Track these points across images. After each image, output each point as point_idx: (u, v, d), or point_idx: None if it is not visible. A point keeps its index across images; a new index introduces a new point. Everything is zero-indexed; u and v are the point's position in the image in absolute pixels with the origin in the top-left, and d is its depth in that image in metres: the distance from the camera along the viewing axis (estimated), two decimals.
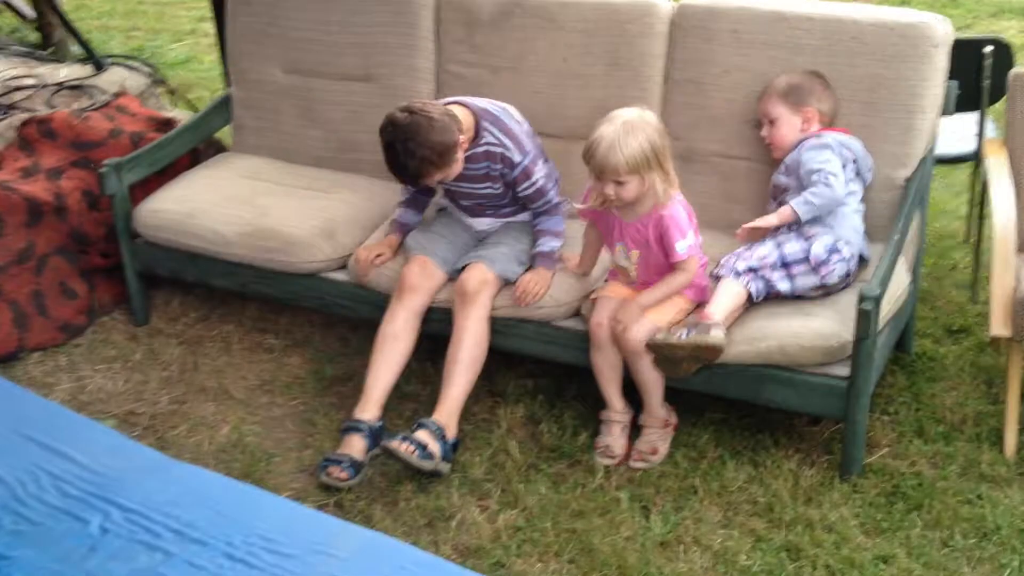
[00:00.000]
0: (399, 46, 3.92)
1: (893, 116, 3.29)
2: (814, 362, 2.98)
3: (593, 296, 3.23)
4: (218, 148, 4.40)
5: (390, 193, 3.85)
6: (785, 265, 3.06)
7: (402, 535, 2.87)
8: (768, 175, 3.43)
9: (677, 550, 2.82)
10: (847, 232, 3.11)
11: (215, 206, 3.75)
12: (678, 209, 3.06)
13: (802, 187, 3.12)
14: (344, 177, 3.97)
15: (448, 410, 3.18)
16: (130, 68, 4.62)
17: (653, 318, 3.05)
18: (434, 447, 3.07)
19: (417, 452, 3.03)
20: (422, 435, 3.08)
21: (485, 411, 3.42)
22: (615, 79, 3.64)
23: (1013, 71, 3.42)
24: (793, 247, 3.07)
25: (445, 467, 3.11)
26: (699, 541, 2.84)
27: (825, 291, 3.08)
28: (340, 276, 3.59)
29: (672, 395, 3.19)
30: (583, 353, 3.22)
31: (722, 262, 3.11)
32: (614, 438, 3.19)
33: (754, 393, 3.07)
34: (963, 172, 4.73)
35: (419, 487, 3.08)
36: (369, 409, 3.21)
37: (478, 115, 3.31)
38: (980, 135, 3.81)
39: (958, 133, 3.92)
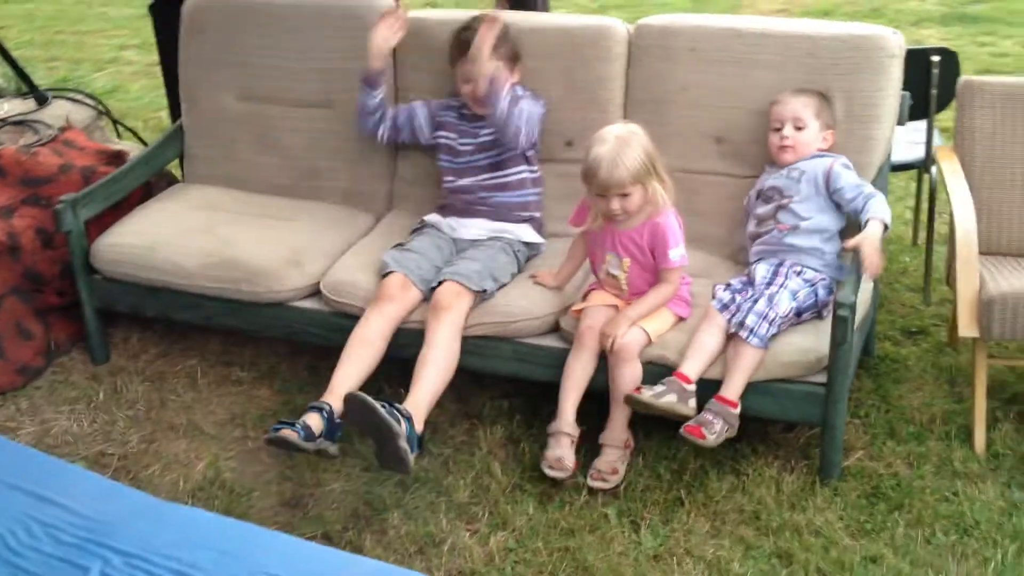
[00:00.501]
0: (358, 72, 3.89)
1: (851, 127, 3.37)
2: (793, 376, 3.03)
3: (576, 308, 3.25)
4: (169, 179, 4.34)
5: (353, 220, 3.86)
6: (798, 314, 3.10)
7: (395, 563, 2.85)
8: (731, 186, 3.51)
9: (670, 563, 2.84)
10: (833, 266, 3.21)
11: (175, 238, 3.70)
12: (672, 217, 3.12)
13: (814, 196, 3.22)
14: (304, 204, 3.95)
15: (416, 402, 3.10)
16: (73, 101, 4.53)
17: (647, 324, 3.11)
18: (400, 431, 2.95)
19: (383, 434, 2.93)
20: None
21: (462, 434, 3.41)
22: (574, 102, 3.68)
23: (963, 79, 3.53)
24: (805, 294, 3.11)
25: (408, 462, 2.94)
26: (691, 552, 2.87)
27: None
28: (309, 304, 3.56)
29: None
30: (560, 371, 3.24)
31: (748, 324, 3.02)
32: (564, 451, 3.15)
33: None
34: (902, 179, 4.87)
35: (405, 514, 3.07)
36: (332, 399, 3.16)
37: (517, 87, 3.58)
38: (928, 143, 3.92)
39: (900, 141, 4.02)
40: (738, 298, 3.13)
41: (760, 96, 3.46)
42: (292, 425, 3.06)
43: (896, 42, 3.35)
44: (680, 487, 3.12)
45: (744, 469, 3.17)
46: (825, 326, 3.05)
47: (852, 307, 2.89)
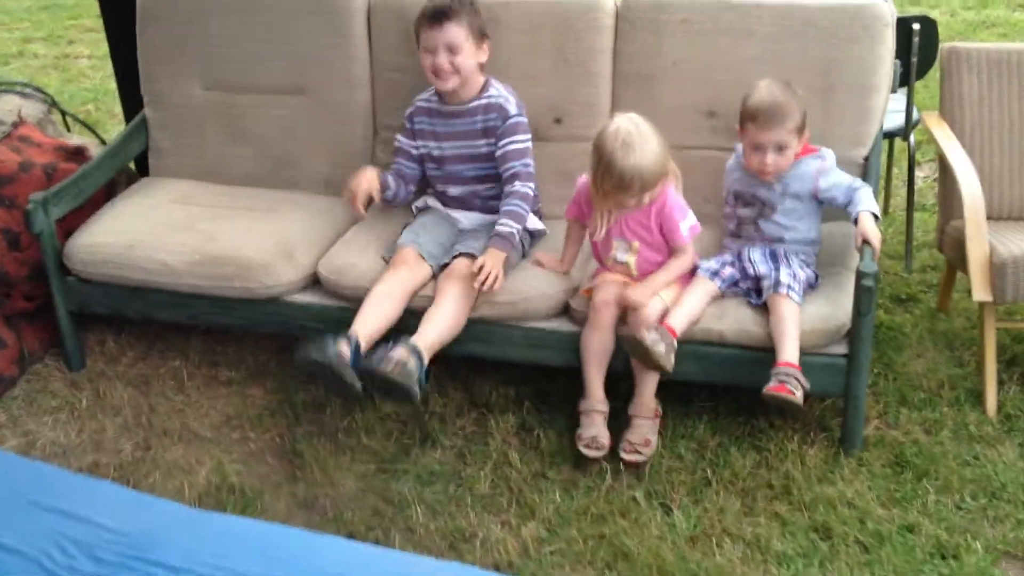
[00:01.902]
0: (332, 55, 3.78)
1: (849, 97, 3.37)
2: (813, 345, 3.01)
3: (586, 289, 3.19)
4: (128, 175, 4.15)
5: (338, 208, 3.73)
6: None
7: None
8: (724, 160, 3.47)
9: (709, 544, 2.81)
10: (814, 264, 3.25)
11: (156, 236, 3.53)
12: (673, 192, 3.09)
13: (798, 207, 3.16)
14: (284, 195, 3.81)
15: (425, 340, 3.06)
16: (23, 95, 4.29)
17: (664, 293, 3.09)
18: (412, 364, 2.96)
19: (400, 371, 2.93)
20: (403, 351, 2.98)
21: (472, 424, 3.34)
22: (563, 77, 3.61)
23: (947, 46, 3.55)
24: (806, 274, 3.13)
25: (416, 392, 2.96)
26: (728, 532, 2.84)
27: None
28: (304, 298, 3.43)
29: (659, 386, 3.18)
30: (573, 355, 3.18)
31: (784, 281, 3.03)
32: (599, 429, 3.13)
33: (754, 379, 3.08)
34: None
35: (429, 509, 2.98)
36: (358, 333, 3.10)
37: (487, 76, 3.45)
38: (909, 111, 3.95)
39: None
40: (729, 269, 3.15)
41: (754, 68, 3.41)
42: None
43: (889, 10, 3.35)
44: (704, 466, 3.08)
45: (765, 444, 3.15)
46: (840, 296, 3.06)
47: (875, 276, 2.88)
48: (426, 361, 3.02)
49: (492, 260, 3.18)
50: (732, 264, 3.18)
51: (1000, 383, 3.31)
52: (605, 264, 3.21)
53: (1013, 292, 3.08)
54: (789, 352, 2.96)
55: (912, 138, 4.02)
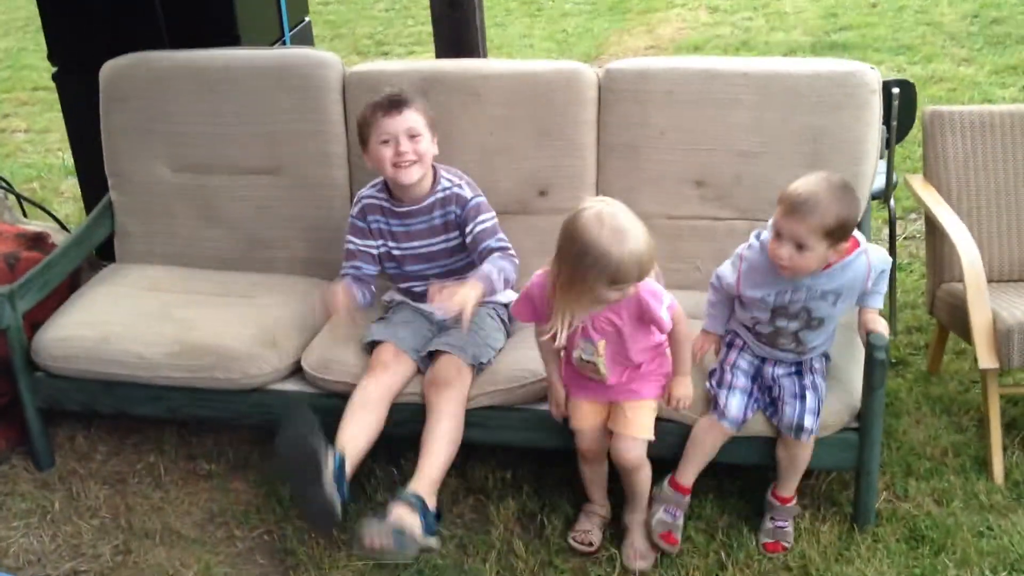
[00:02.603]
0: (307, 133, 3.67)
1: (838, 164, 3.31)
2: (828, 428, 2.93)
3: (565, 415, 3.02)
4: (91, 262, 3.99)
5: (317, 290, 3.59)
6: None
7: None
8: (715, 229, 3.43)
9: None
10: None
11: (130, 326, 3.37)
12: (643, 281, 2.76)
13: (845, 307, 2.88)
14: (260, 278, 3.68)
15: (428, 480, 2.90)
16: None
17: (644, 433, 2.90)
18: (413, 522, 2.77)
19: (393, 541, 2.72)
20: (399, 513, 2.78)
21: (470, 511, 3.21)
22: (547, 149, 3.54)
23: (931, 109, 3.55)
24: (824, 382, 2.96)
25: (432, 542, 2.83)
26: None
27: None
28: (289, 386, 3.29)
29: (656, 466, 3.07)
30: (571, 437, 3.08)
31: (807, 427, 2.85)
32: (593, 528, 3.06)
33: (757, 457, 3.01)
34: None
35: None
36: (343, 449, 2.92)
37: (435, 165, 3.27)
38: (889, 174, 3.94)
39: None
40: (745, 400, 2.92)
41: (742, 137, 3.40)
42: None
43: (875, 77, 3.34)
44: (716, 547, 2.99)
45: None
46: (849, 373, 3.00)
47: (887, 348, 2.82)
48: (432, 505, 2.87)
49: (468, 290, 2.97)
50: (750, 387, 2.94)
51: (1003, 448, 3.27)
52: (574, 362, 2.90)
53: (1020, 358, 3.05)
54: (792, 487, 2.98)
55: (892, 201, 4.01)
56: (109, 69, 3.81)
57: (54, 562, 3.10)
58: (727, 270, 2.95)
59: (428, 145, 3.18)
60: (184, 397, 3.32)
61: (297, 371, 3.31)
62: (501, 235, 3.25)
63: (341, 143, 3.69)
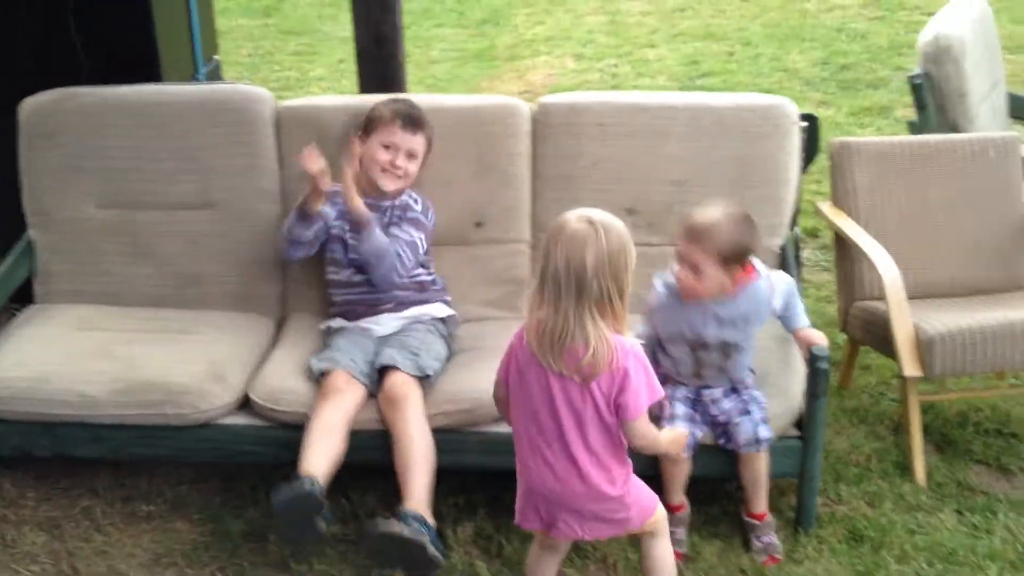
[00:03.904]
0: (240, 168, 3.69)
1: (763, 191, 3.55)
2: (776, 435, 3.09)
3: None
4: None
5: (257, 324, 3.64)
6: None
7: None
8: (647, 255, 3.49)
9: None
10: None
11: (70, 365, 3.30)
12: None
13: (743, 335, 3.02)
14: (197, 314, 3.65)
15: (419, 499, 2.96)
16: None
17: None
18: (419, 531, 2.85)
19: (426, 534, 2.84)
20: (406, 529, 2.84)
21: None
22: (483, 181, 3.65)
23: (838, 141, 3.80)
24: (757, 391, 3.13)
25: (439, 556, 2.87)
26: None
27: None
28: (237, 420, 3.26)
29: None
30: None
31: (763, 437, 3.02)
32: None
33: (707, 470, 3.15)
34: None
35: None
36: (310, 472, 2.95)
37: None
38: (797, 201, 4.16)
39: None
40: (689, 426, 3.01)
41: (671, 166, 3.58)
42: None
43: (795, 110, 3.58)
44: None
45: (724, 532, 3.20)
46: (785, 384, 3.17)
47: (828, 359, 3.01)
48: (432, 523, 2.93)
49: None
50: (691, 412, 3.07)
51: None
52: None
53: (941, 366, 3.28)
54: (762, 503, 3.11)
55: (797, 228, 4.24)
56: (30, 106, 3.74)
57: None
58: (645, 325, 3.11)
59: (417, 168, 3.43)
60: (129, 436, 3.25)
61: (245, 405, 3.29)
62: (407, 251, 3.39)
63: (275, 178, 3.71)
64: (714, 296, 2.94)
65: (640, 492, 2.67)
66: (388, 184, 3.40)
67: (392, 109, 3.45)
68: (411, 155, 3.41)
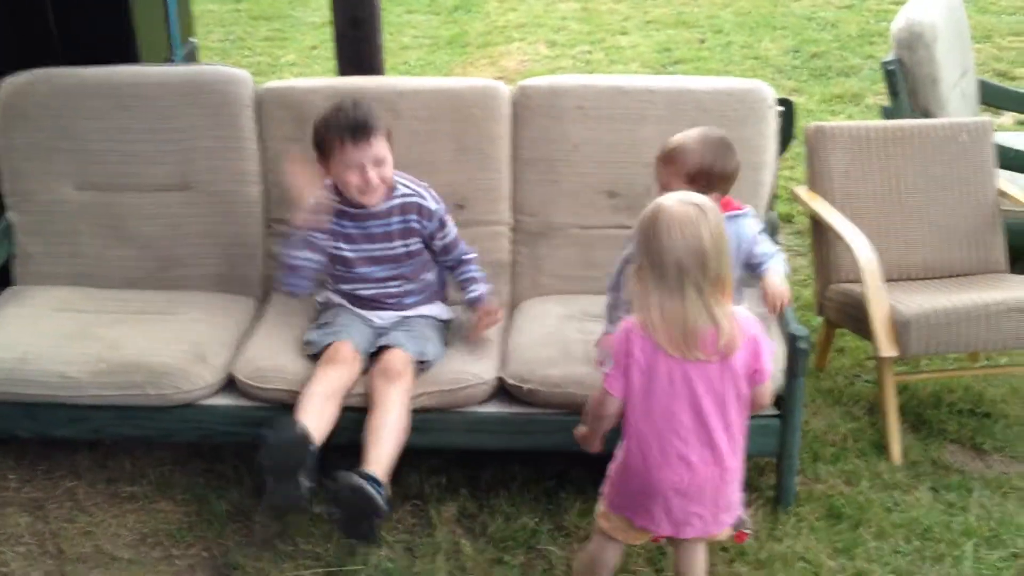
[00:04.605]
0: (220, 149, 3.67)
1: (743, 173, 3.53)
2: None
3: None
4: None
5: (238, 305, 3.63)
6: None
7: None
8: (623, 237, 3.59)
9: None
10: None
11: (50, 346, 3.28)
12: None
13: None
14: (177, 295, 3.63)
15: (379, 466, 2.92)
16: None
17: None
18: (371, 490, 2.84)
19: (362, 486, 2.81)
20: (355, 480, 2.84)
21: (410, 516, 3.26)
22: (464, 164, 3.66)
23: (814, 125, 3.85)
24: None
25: (384, 509, 2.86)
26: None
27: None
28: (221, 400, 3.26)
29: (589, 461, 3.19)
30: (511, 437, 3.19)
31: None
32: None
33: None
34: None
35: None
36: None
37: None
38: (772, 185, 4.21)
39: None
40: None
41: (650, 149, 3.53)
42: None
43: (772, 93, 3.61)
44: None
45: None
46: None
47: (808, 339, 3.05)
48: (386, 490, 2.91)
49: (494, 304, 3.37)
50: None
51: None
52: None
53: (917, 346, 3.34)
54: None
55: (775, 211, 4.29)
56: (7, 87, 3.70)
57: None
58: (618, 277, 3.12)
59: (390, 167, 3.24)
60: (111, 416, 3.24)
61: (227, 386, 3.30)
62: (463, 246, 3.42)
63: (254, 160, 3.70)
64: None
65: None
66: (372, 200, 3.23)
67: (334, 127, 3.16)
68: (378, 162, 3.17)
